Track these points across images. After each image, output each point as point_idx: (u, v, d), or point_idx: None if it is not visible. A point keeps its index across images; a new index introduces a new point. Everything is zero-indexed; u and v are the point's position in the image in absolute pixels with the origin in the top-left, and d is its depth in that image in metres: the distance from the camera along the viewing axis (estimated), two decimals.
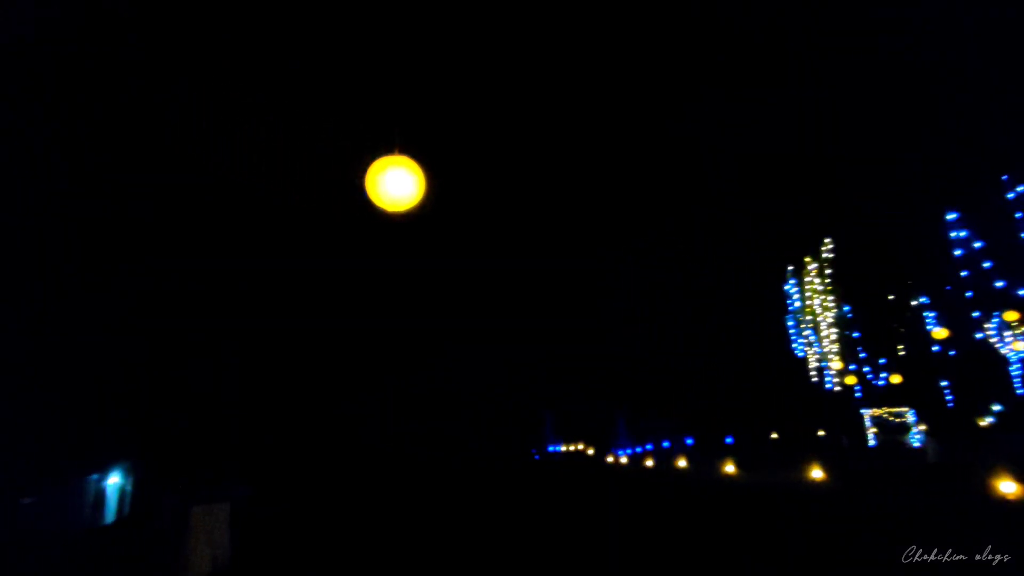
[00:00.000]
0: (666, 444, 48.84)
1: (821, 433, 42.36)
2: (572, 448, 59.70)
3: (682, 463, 27.78)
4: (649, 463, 32.30)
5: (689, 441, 48.87)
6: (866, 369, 42.73)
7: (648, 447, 47.99)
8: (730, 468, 22.16)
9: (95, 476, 15.77)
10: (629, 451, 49.94)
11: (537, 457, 51.08)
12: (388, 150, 6.20)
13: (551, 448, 58.75)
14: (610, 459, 44.21)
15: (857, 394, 41.59)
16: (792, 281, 46.57)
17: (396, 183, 6.21)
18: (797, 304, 46.27)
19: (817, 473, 17.17)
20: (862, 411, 38.18)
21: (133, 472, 16.38)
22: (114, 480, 16.04)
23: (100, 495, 15.77)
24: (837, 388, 43.12)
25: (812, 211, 40.35)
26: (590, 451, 56.25)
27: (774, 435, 45.19)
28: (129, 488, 16.25)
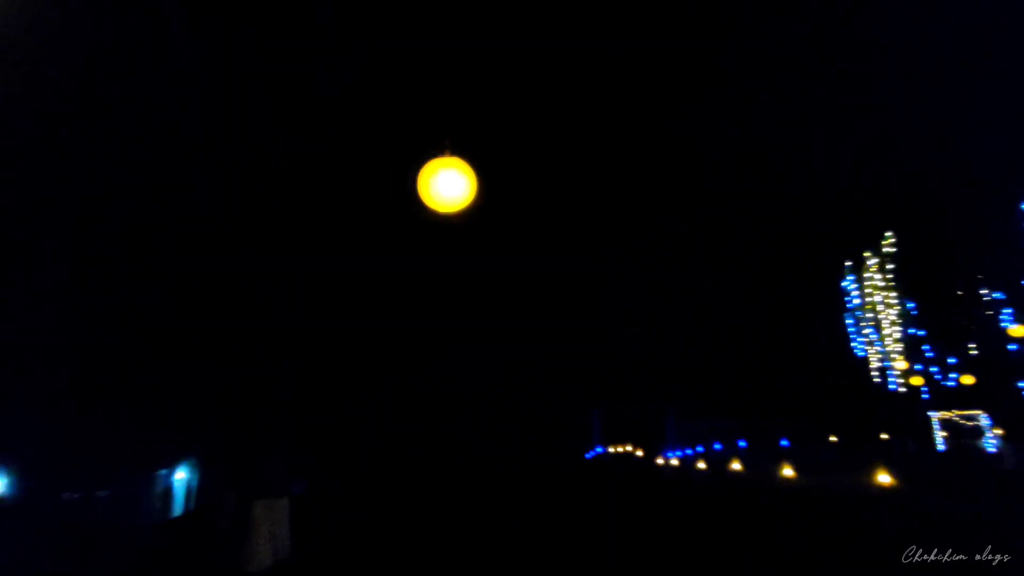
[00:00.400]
0: (717, 446, 47.56)
1: (884, 437, 40.32)
2: (620, 449, 59.12)
3: (736, 466, 26.99)
4: (702, 465, 31.55)
5: (742, 443, 47.43)
6: (933, 369, 40.43)
7: (699, 449, 46.91)
8: (788, 472, 21.34)
9: (163, 472, 16.59)
10: (679, 453, 48.97)
11: (588, 456, 50.50)
12: (437, 152, 6.25)
13: (598, 450, 58.21)
14: (660, 461, 43.45)
15: (924, 396, 39.42)
16: (851, 277, 44.60)
17: (448, 184, 6.27)
18: (856, 301, 44.29)
19: (884, 478, 16.29)
20: (930, 413, 36.23)
21: (199, 468, 17.13)
22: (181, 476, 16.82)
23: (168, 490, 16.57)
24: (902, 389, 41.04)
25: (870, 208, 38.60)
26: (639, 452, 55.55)
27: (833, 438, 43.33)
28: (195, 483, 17.00)
